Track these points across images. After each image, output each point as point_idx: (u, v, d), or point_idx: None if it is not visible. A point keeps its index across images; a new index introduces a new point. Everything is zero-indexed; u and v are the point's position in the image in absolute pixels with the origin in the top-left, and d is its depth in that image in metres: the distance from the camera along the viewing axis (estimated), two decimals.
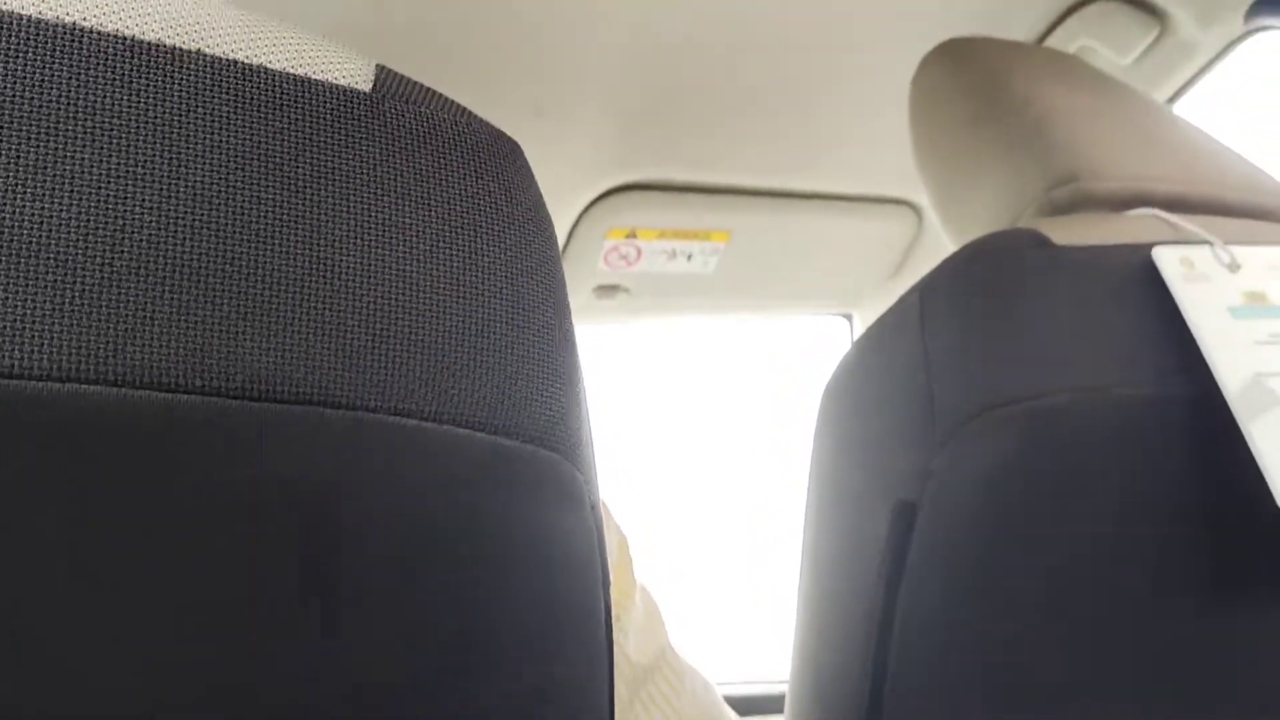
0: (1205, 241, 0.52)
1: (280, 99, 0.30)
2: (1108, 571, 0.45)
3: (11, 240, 0.25)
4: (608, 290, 1.22)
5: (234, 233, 0.28)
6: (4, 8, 0.27)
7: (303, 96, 0.30)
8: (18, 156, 0.26)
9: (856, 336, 1.40)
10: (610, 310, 1.26)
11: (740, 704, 1.31)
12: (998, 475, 0.45)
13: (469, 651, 0.30)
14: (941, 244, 1.19)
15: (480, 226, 0.32)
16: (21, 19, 0.27)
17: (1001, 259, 0.50)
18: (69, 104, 0.27)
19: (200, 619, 0.26)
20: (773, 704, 1.30)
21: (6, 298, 0.25)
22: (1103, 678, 0.46)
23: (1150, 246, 0.50)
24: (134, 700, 0.26)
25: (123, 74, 0.28)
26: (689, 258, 1.19)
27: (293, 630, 0.27)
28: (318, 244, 0.29)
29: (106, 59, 0.27)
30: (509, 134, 0.35)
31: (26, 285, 0.25)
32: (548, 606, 0.32)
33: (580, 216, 1.11)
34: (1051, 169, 0.58)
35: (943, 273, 0.51)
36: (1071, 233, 0.52)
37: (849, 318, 1.41)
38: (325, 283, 0.29)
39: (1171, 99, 0.98)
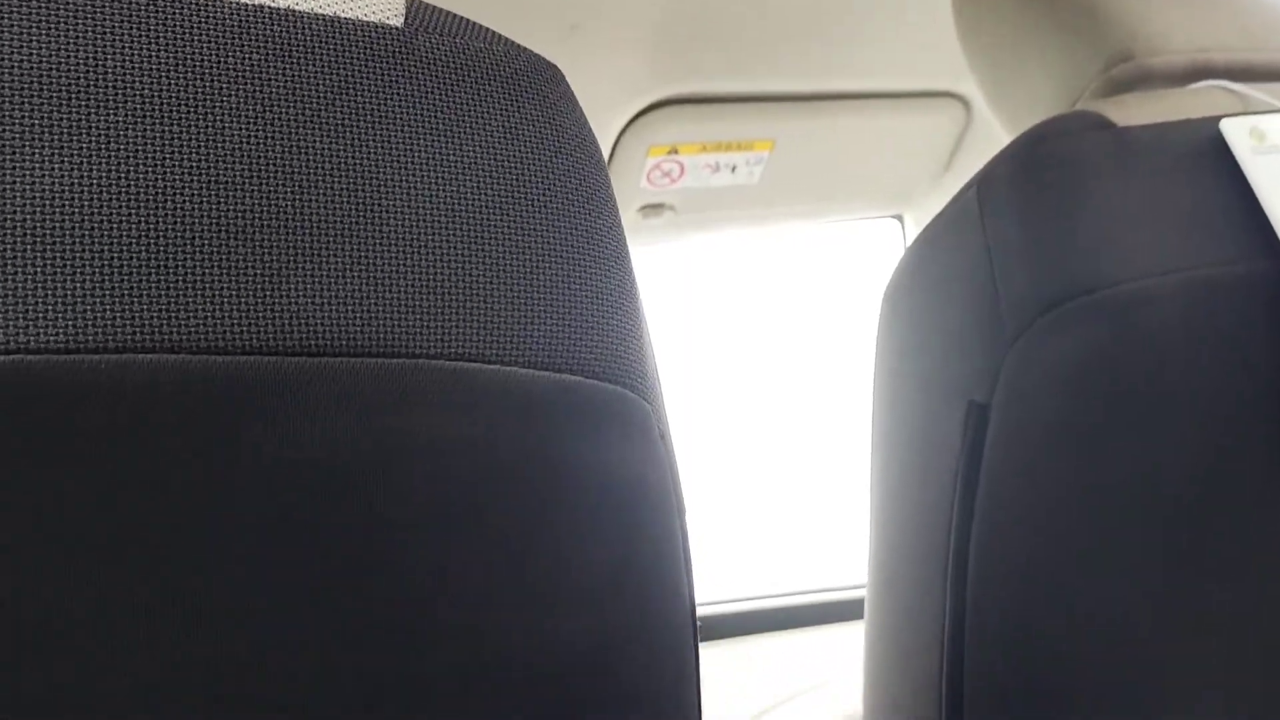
0: (1275, 110, 0.49)
1: (312, 42, 0.29)
2: (1201, 467, 0.44)
3: (49, 211, 0.25)
4: (653, 209, 1.20)
5: (276, 186, 0.27)
6: None
7: (334, 37, 0.29)
8: (50, 124, 0.25)
9: (909, 237, 1.38)
10: (656, 229, 1.25)
11: (812, 611, 1.32)
12: (1073, 370, 0.44)
13: (547, 590, 0.30)
14: (993, 136, 1.16)
15: (526, 157, 0.31)
16: None
17: (1062, 144, 0.48)
18: (97, 65, 0.26)
19: (275, 576, 0.27)
20: (849, 609, 1.31)
21: (52, 271, 0.25)
22: (1195, 582, 0.45)
23: (1217, 120, 0.48)
24: (233, 642, 0.26)
25: (152, 29, 0.27)
26: (733, 169, 1.17)
27: (367, 584, 0.27)
28: (362, 190, 0.28)
29: (135, 14, 0.27)
30: (543, 55, 0.34)
31: (72, 258, 0.25)
32: (624, 541, 0.31)
33: (620, 136, 1.10)
34: (1107, 47, 0.56)
35: (1001, 163, 0.49)
36: (1133, 112, 0.50)
37: (900, 219, 1.38)
38: (373, 229, 0.28)
39: None
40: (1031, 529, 0.46)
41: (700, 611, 0.36)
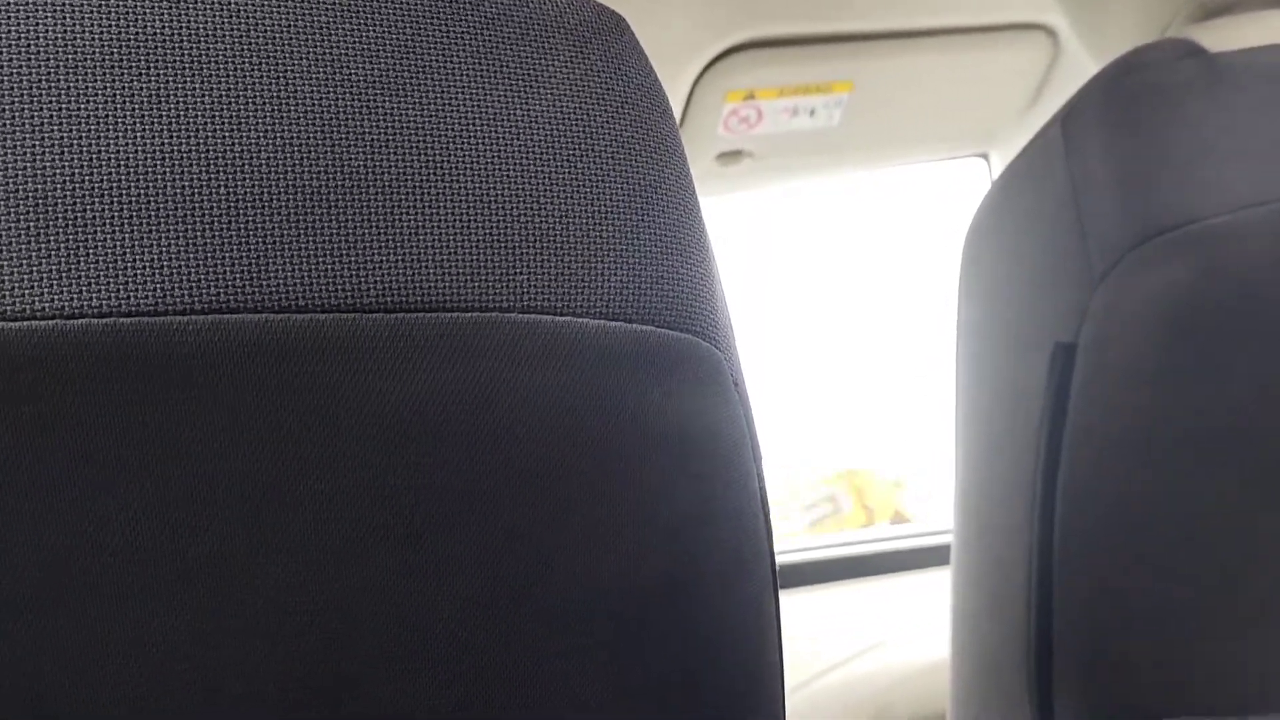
0: None
1: (377, 1, 0.29)
2: None
3: (134, 178, 0.25)
4: (730, 157, 1.19)
5: (348, 145, 0.28)
6: None
7: None
8: (131, 93, 0.26)
9: (994, 176, 1.35)
10: (735, 176, 1.23)
11: (899, 557, 1.31)
12: (1165, 309, 0.43)
13: (626, 540, 0.30)
14: (1081, 69, 1.12)
15: (593, 109, 0.31)
16: None
17: (1151, 73, 0.46)
18: (173, 34, 0.27)
19: (360, 527, 0.27)
20: (933, 556, 1.30)
21: (139, 236, 0.25)
22: None
23: None
24: (298, 609, 0.27)
25: None
26: (812, 113, 1.15)
27: (449, 535, 0.28)
28: (432, 146, 0.29)
29: None
30: (610, 5, 0.33)
31: (157, 223, 0.25)
32: (702, 490, 0.31)
33: (695, 83, 1.09)
34: None
35: (1087, 95, 0.48)
36: (1227, 37, 0.48)
37: (986, 157, 1.35)
38: (444, 185, 0.29)
39: None
40: (1119, 470, 0.45)
41: (779, 560, 0.36)
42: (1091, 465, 0.45)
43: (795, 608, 1.19)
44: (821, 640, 1.14)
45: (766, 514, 0.34)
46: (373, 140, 0.28)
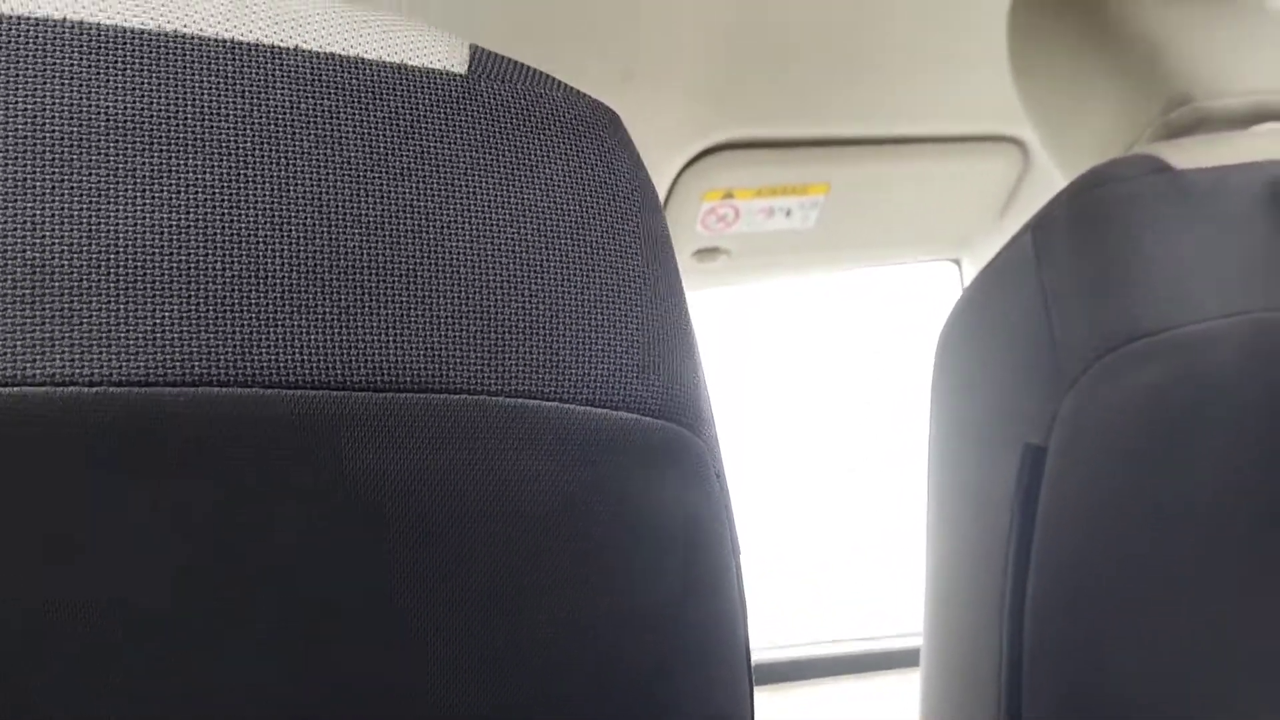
0: None
1: (379, 89, 0.30)
2: (1264, 508, 0.43)
3: (132, 251, 0.26)
4: (707, 254, 1.21)
5: (344, 227, 0.28)
6: (109, 22, 0.27)
7: (401, 84, 0.30)
8: (133, 168, 0.26)
9: (965, 281, 1.37)
10: (711, 273, 1.25)
11: (870, 659, 1.30)
12: (1132, 414, 0.44)
13: (604, 628, 0.30)
14: (1051, 180, 1.15)
15: (585, 201, 0.32)
16: (127, 32, 0.27)
17: (1119, 188, 0.48)
18: (178, 112, 0.27)
19: (342, 607, 0.27)
20: (903, 658, 1.29)
21: (133, 308, 0.26)
22: (1253, 628, 0.44)
23: (1278, 163, 0.48)
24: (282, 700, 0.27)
25: (227, 78, 0.28)
26: (788, 214, 1.17)
27: (430, 615, 0.28)
28: (426, 231, 0.29)
29: (210, 64, 0.28)
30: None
31: (151, 295, 0.26)
32: (679, 580, 0.32)
33: (675, 181, 1.11)
34: (1165, 90, 0.55)
35: (1057, 206, 0.49)
36: (1192, 155, 0.49)
37: (958, 263, 1.37)
38: (437, 270, 0.29)
39: None
40: (1088, 571, 0.45)
41: (754, 656, 0.36)
42: (1061, 565, 0.46)
43: (772, 703, 1.17)
44: None
45: (744, 607, 0.34)
46: (367, 223, 0.28)
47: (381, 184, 0.29)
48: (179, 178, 0.27)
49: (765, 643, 1.29)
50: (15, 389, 0.24)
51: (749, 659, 0.35)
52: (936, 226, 1.27)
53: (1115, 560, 0.44)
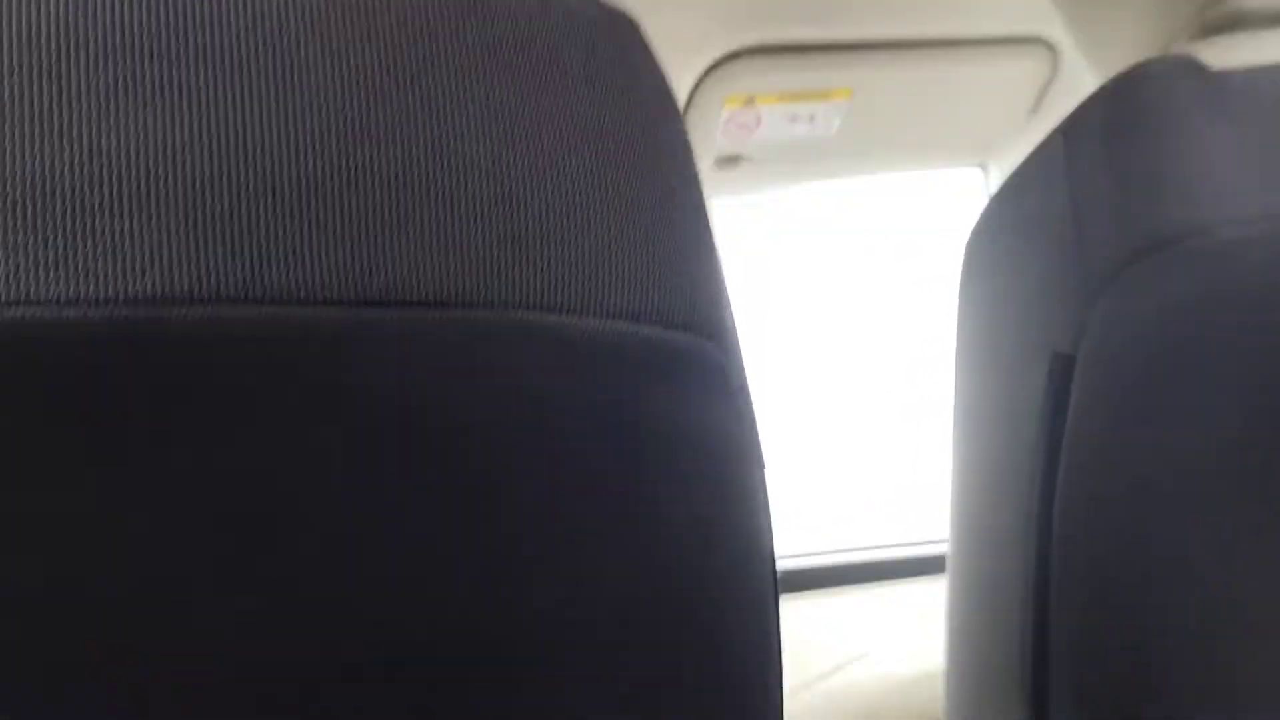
0: None
1: None
2: None
3: (137, 165, 0.25)
4: (729, 161, 1.19)
5: (357, 139, 0.27)
6: None
7: None
8: (136, 80, 0.26)
9: (991, 186, 1.35)
10: (733, 181, 1.23)
11: (885, 567, 1.31)
12: (1163, 321, 0.43)
13: (630, 542, 0.30)
14: (1080, 83, 1.12)
15: (604, 109, 0.31)
16: None
17: (1153, 88, 0.46)
18: (182, 23, 0.27)
19: (366, 525, 0.27)
20: (928, 565, 1.30)
21: (140, 224, 0.25)
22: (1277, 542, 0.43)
23: None
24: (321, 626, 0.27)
25: None
26: (811, 120, 1.15)
27: (456, 534, 0.28)
28: (442, 142, 0.28)
29: None
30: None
31: (158, 211, 0.25)
32: (705, 493, 0.31)
33: (695, 87, 1.09)
34: None
35: (1088, 109, 0.48)
36: (1229, 55, 0.48)
37: (983, 168, 1.35)
38: (456, 181, 0.28)
39: None
40: (1117, 480, 0.45)
41: (780, 565, 0.36)
42: (1089, 476, 0.46)
43: (786, 614, 1.18)
44: (812, 648, 1.14)
45: (769, 518, 0.34)
46: (382, 134, 0.28)
47: (394, 93, 0.28)
48: (184, 89, 0.26)
49: (791, 551, 1.31)
50: (22, 308, 0.24)
51: (774, 569, 0.35)
52: (962, 131, 1.25)
53: (1143, 470, 0.44)
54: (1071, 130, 0.48)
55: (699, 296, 0.32)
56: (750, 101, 1.11)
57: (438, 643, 0.28)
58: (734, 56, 1.07)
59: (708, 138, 1.14)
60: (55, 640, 0.25)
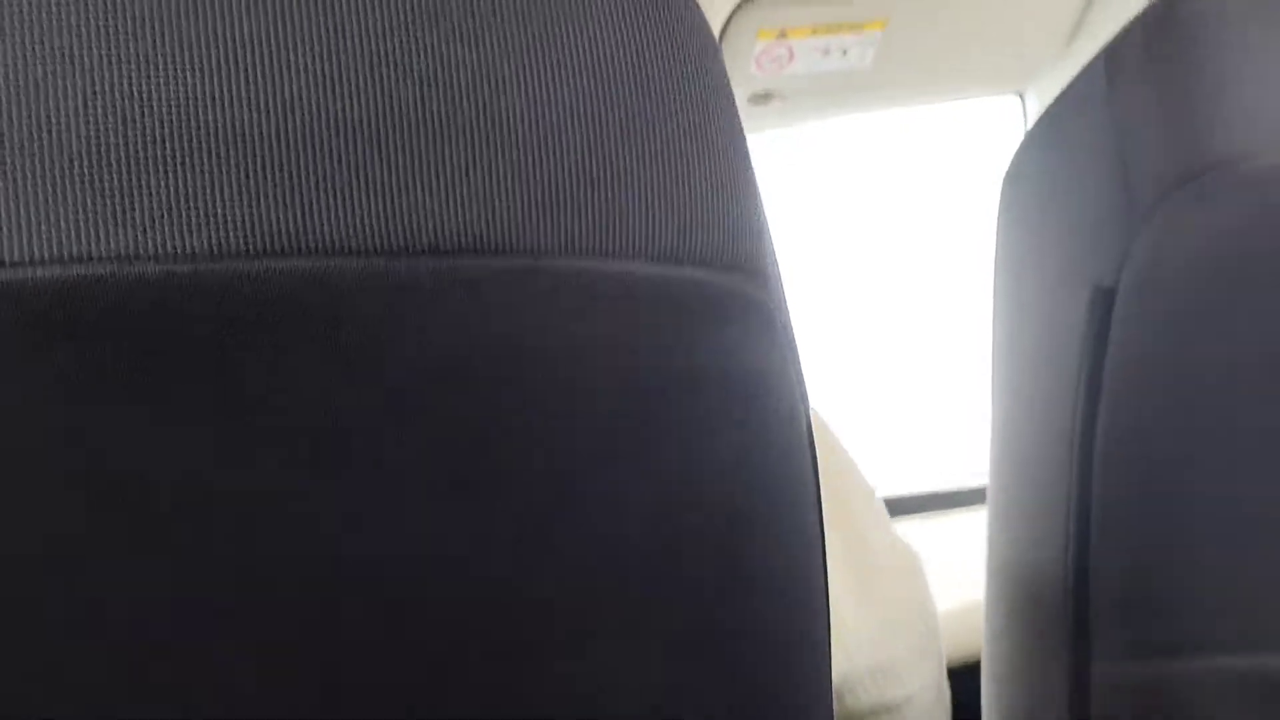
0: None
1: None
2: None
3: (185, 121, 0.25)
4: (762, 97, 1.18)
5: (396, 85, 0.27)
6: None
7: None
8: (179, 35, 0.26)
9: (1029, 116, 1.33)
10: (766, 117, 1.22)
11: (927, 500, 1.31)
12: (1208, 252, 0.42)
13: (675, 483, 0.30)
14: (1121, 7, 1.10)
15: (641, 47, 0.31)
16: None
17: (1200, 5, 0.45)
18: None
19: (406, 475, 0.27)
20: (969, 497, 1.30)
21: (192, 180, 0.25)
22: None
23: None
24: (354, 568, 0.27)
25: None
26: (844, 52, 1.13)
27: (497, 483, 0.28)
28: (480, 86, 0.28)
29: None
30: None
31: (207, 166, 0.25)
32: (750, 431, 0.31)
33: (727, 22, 1.07)
34: None
35: (1131, 33, 0.47)
36: None
37: (1021, 96, 1.33)
38: (494, 126, 0.28)
39: None
40: (1159, 413, 0.44)
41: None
42: (1131, 408, 0.45)
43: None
44: None
45: (813, 454, 0.34)
46: (421, 80, 0.28)
47: (430, 38, 0.28)
48: (226, 41, 0.26)
49: None
50: (80, 266, 0.24)
51: (820, 506, 0.35)
52: (999, 59, 1.22)
53: (1186, 407, 0.44)
54: (1114, 52, 0.47)
55: (741, 236, 0.32)
56: (783, 35, 1.10)
57: (484, 592, 0.29)
58: None
59: (741, 73, 1.13)
60: (73, 580, 0.25)
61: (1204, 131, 0.43)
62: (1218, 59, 0.44)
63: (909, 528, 1.27)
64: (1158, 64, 0.45)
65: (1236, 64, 0.43)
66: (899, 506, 1.30)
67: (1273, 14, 0.44)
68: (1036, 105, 1.30)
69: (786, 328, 0.33)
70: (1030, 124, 1.02)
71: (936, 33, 1.14)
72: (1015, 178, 0.54)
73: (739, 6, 1.06)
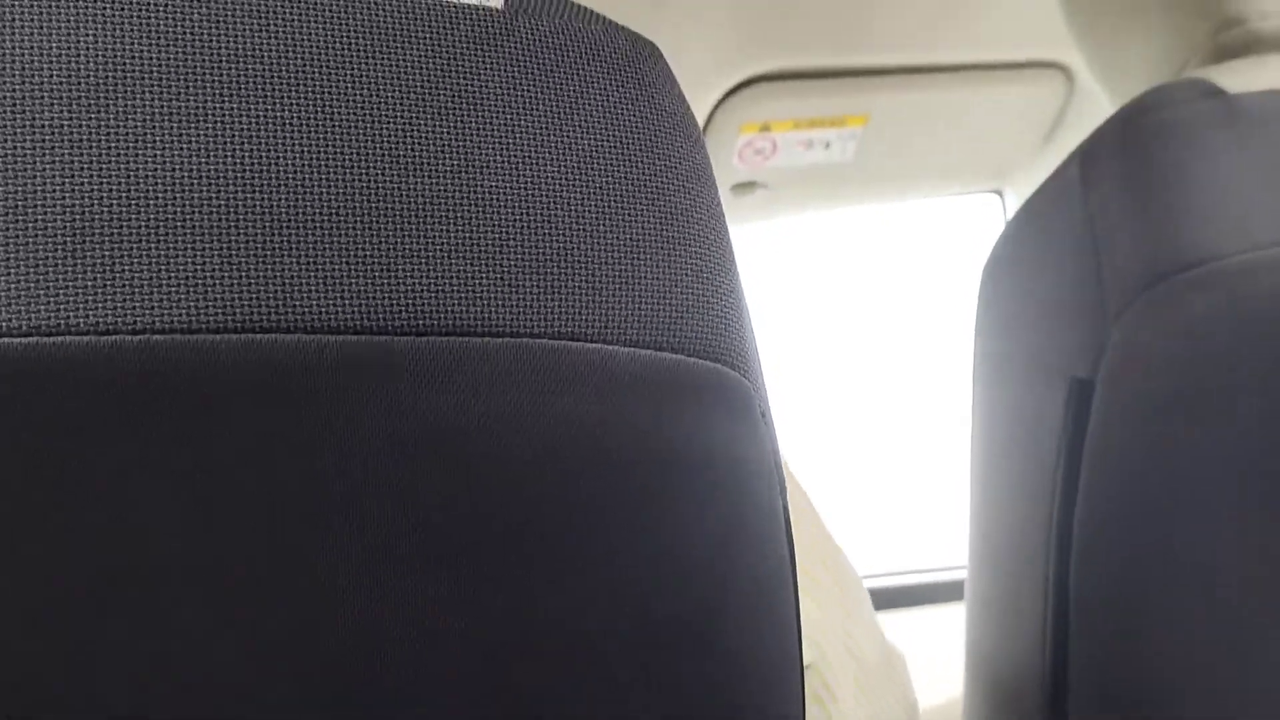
0: None
1: (416, 26, 0.29)
2: None
3: (171, 196, 0.26)
4: (745, 188, 1.19)
5: (384, 168, 0.28)
6: None
7: (437, 21, 0.30)
8: (170, 112, 0.26)
9: (1008, 212, 1.35)
10: (749, 208, 1.24)
11: (909, 593, 1.30)
12: (1181, 345, 0.43)
13: (652, 567, 0.30)
14: (1096, 107, 1.13)
15: (627, 136, 0.31)
16: None
17: (1170, 112, 0.46)
18: (212, 55, 0.27)
19: (387, 550, 0.27)
20: (945, 591, 1.29)
21: (175, 254, 0.25)
22: None
23: None
24: (338, 649, 0.27)
25: (261, 17, 0.28)
26: (826, 146, 1.15)
27: (473, 559, 0.28)
28: (467, 171, 0.29)
29: (243, 5, 0.28)
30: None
31: (191, 241, 0.26)
32: (729, 520, 0.31)
33: (711, 114, 1.09)
34: (1217, 12, 0.54)
35: (1105, 133, 0.48)
36: (1245, 79, 0.48)
37: (1000, 194, 1.35)
38: (478, 210, 0.29)
39: None
40: (1136, 504, 0.45)
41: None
42: (1109, 500, 0.45)
43: None
44: None
45: (790, 545, 0.34)
46: (409, 164, 0.28)
47: (420, 123, 0.29)
48: (215, 120, 0.27)
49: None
50: (59, 338, 0.24)
51: (797, 597, 0.35)
52: (978, 157, 1.25)
53: (1164, 490, 0.44)
54: (1088, 154, 0.48)
55: (722, 324, 0.32)
56: (766, 128, 1.12)
57: (460, 669, 0.28)
58: (750, 83, 1.08)
59: (724, 164, 1.14)
60: (57, 650, 0.25)
61: (1174, 233, 0.44)
62: (1185, 165, 0.45)
63: (888, 620, 1.26)
64: (1129, 166, 0.46)
65: (1204, 167, 0.44)
66: (879, 599, 1.29)
67: (1234, 120, 0.45)
68: (1015, 203, 1.33)
69: (767, 416, 0.33)
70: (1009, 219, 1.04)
71: (917, 129, 1.17)
72: (994, 270, 0.55)
73: (723, 98, 1.08)
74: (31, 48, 0.26)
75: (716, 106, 1.09)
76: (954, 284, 1.54)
